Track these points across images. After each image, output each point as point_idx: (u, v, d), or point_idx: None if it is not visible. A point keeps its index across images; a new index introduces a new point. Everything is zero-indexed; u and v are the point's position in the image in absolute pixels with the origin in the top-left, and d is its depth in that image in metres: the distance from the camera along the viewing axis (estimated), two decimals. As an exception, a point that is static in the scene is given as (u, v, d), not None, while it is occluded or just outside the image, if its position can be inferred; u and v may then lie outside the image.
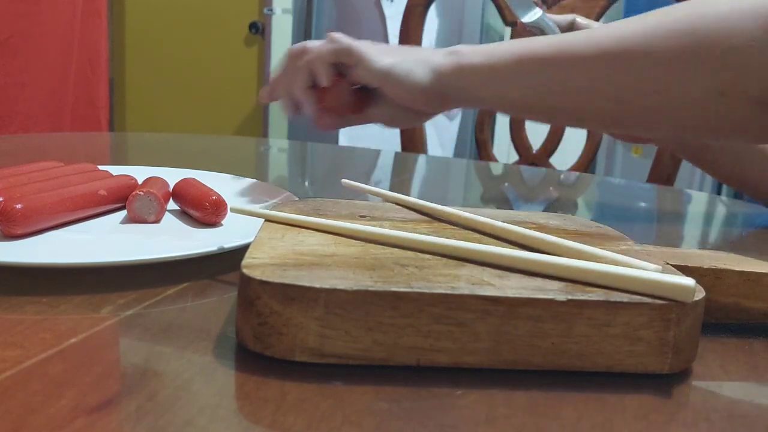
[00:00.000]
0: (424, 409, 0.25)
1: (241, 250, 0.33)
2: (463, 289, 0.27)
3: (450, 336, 0.27)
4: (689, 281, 0.27)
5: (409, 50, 0.58)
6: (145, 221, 0.44)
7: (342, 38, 0.57)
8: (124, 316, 0.31)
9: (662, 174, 1.08)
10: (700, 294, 0.29)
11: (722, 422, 0.25)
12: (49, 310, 0.31)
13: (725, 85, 0.47)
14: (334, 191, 0.69)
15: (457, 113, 2.55)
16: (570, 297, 0.27)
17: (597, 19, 1.08)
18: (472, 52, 0.55)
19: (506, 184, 0.90)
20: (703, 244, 0.61)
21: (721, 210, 0.83)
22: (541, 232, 0.35)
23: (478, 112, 1.27)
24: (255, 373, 0.26)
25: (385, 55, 0.56)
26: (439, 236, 0.33)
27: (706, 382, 0.29)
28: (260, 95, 0.64)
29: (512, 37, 1.21)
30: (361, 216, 0.39)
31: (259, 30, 2.69)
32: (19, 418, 0.22)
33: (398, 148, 1.19)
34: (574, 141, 1.23)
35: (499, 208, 0.69)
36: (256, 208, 0.39)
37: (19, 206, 0.38)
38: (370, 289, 0.26)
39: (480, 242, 0.33)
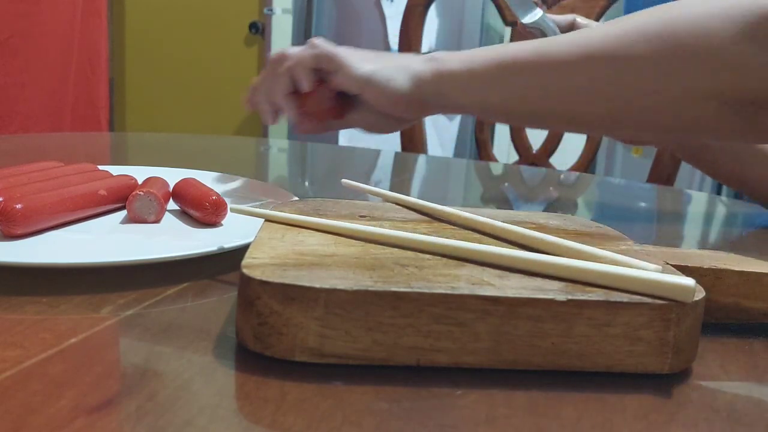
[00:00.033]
0: (424, 409, 0.25)
1: (241, 250, 0.33)
2: (463, 289, 0.27)
3: (450, 336, 0.27)
4: (689, 281, 0.27)
5: (389, 57, 0.58)
6: (145, 221, 0.44)
7: (322, 44, 0.57)
8: (124, 316, 0.31)
9: (662, 174, 1.08)
10: (700, 294, 0.29)
11: (722, 422, 0.25)
12: (49, 310, 0.31)
13: (698, 87, 0.48)
14: (334, 191, 0.69)
15: (457, 113, 2.55)
16: (570, 297, 0.27)
17: (597, 19, 1.08)
18: (452, 59, 0.56)
19: (506, 184, 0.90)
20: (703, 244, 0.61)
21: (721, 210, 0.83)
22: (541, 232, 0.35)
23: (478, 112, 1.27)
24: (255, 373, 0.26)
25: (366, 61, 0.56)
26: (439, 236, 0.33)
27: (706, 382, 0.29)
28: (243, 102, 0.64)
29: (512, 37, 1.21)
30: (361, 216, 0.39)
31: (259, 30, 2.69)
32: (19, 418, 0.22)
33: (398, 148, 1.19)
34: (574, 141, 1.23)
35: (499, 208, 0.69)
36: (256, 208, 0.39)
37: (19, 206, 0.38)
38: (370, 289, 0.26)
39: (480, 242, 0.33)
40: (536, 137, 1.22)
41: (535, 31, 0.69)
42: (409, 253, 0.32)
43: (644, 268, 0.30)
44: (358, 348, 0.27)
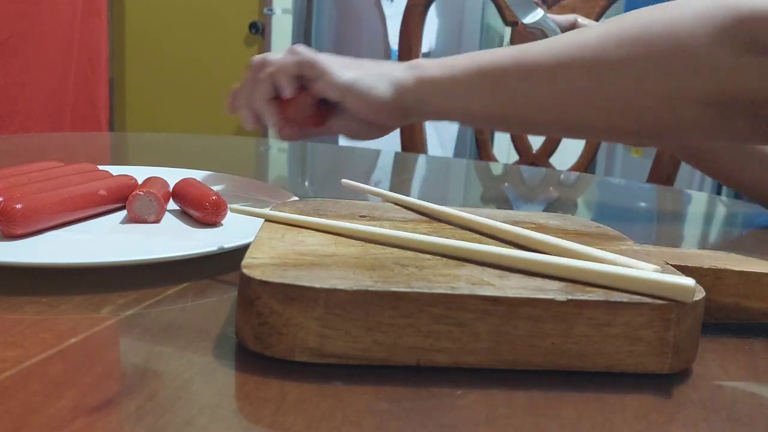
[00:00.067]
0: (424, 409, 0.25)
1: (241, 250, 0.33)
2: (463, 289, 0.27)
3: (450, 336, 0.27)
4: (689, 281, 0.27)
5: (370, 64, 0.58)
6: (145, 221, 0.44)
7: (304, 51, 0.57)
8: (124, 316, 0.31)
9: (662, 174, 1.08)
10: (700, 294, 0.29)
11: (722, 422, 0.25)
12: (49, 310, 0.31)
13: (676, 89, 0.49)
14: (334, 191, 0.69)
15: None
16: (570, 297, 0.27)
17: (597, 19, 1.08)
18: (433, 66, 0.56)
19: (506, 184, 0.90)
20: (703, 244, 0.61)
21: (721, 210, 0.83)
22: (541, 232, 0.35)
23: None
24: (255, 373, 0.26)
25: (347, 69, 0.56)
26: (438, 236, 0.33)
27: (706, 382, 0.29)
28: (223, 106, 0.64)
29: (512, 36, 1.21)
30: (361, 216, 0.39)
31: (259, 30, 2.69)
32: (19, 418, 0.22)
33: (398, 148, 1.19)
34: (574, 141, 1.23)
35: (499, 208, 0.69)
36: (256, 208, 0.39)
37: (19, 206, 0.38)
38: (370, 289, 0.26)
39: (480, 242, 0.33)
40: (536, 138, 1.22)
41: (536, 32, 0.69)
42: (409, 253, 0.32)
43: (644, 268, 0.30)
44: (358, 348, 0.27)
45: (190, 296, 0.34)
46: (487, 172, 0.99)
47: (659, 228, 0.67)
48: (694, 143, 0.70)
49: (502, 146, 1.97)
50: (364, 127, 0.59)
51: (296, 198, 0.50)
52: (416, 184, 0.87)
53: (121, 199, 0.46)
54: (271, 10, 2.65)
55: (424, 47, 1.23)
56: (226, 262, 0.38)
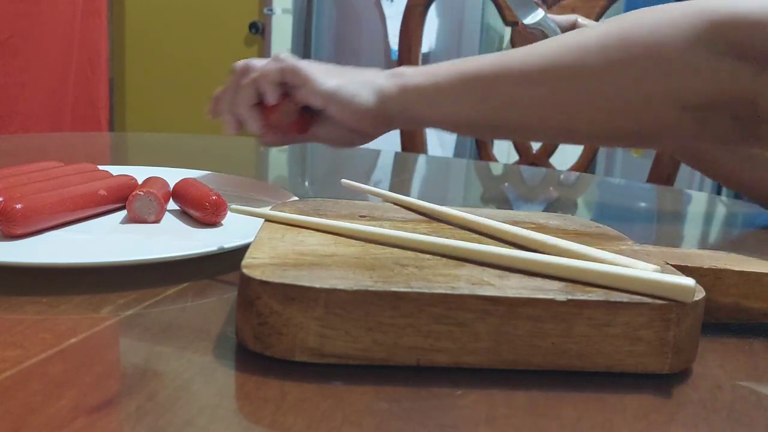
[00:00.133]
0: (424, 409, 0.25)
1: (241, 250, 0.33)
2: (463, 289, 0.27)
3: (450, 336, 0.27)
4: (689, 281, 0.27)
5: (353, 72, 0.58)
6: (145, 221, 0.44)
7: (287, 58, 0.56)
8: (124, 316, 0.31)
9: (662, 174, 1.08)
10: (700, 294, 0.29)
11: (722, 422, 0.25)
12: (49, 310, 0.31)
13: (655, 93, 0.50)
14: (334, 191, 0.69)
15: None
16: (570, 297, 0.27)
17: (597, 19, 1.08)
18: (416, 74, 0.56)
19: (506, 184, 0.90)
20: (703, 244, 0.61)
21: (721, 210, 0.83)
22: (541, 232, 0.35)
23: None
24: (255, 373, 0.26)
25: (331, 76, 0.56)
26: (438, 236, 0.33)
27: (706, 382, 0.29)
28: (204, 111, 0.63)
29: (512, 36, 1.21)
30: (361, 216, 0.39)
31: (259, 30, 2.69)
32: (19, 418, 0.22)
33: (398, 148, 1.19)
34: (574, 141, 1.23)
35: (499, 208, 0.69)
36: (256, 208, 0.39)
37: (19, 206, 0.38)
38: (370, 289, 0.26)
39: (480, 242, 0.33)
40: (536, 137, 1.21)
41: (536, 32, 0.69)
42: (409, 253, 0.32)
43: (644, 268, 0.30)
44: (358, 348, 0.27)
45: (190, 296, 0.34)
46: (487, 172, 0.99)
47: (659, 228, 0.67)
48: (677, 146, 0.71)
49: (502, 146, 1.97)
50: (348, 134, 0.59)
51: (296, 198, 0.50)
52: (416, 184, 0.87)
53: (121, 199, 0.46)
54: (271, 10, 2.65)
55: (424, 47, 1.23)
56: (226, 262, 0.38)
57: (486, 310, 0.27)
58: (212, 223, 0.44)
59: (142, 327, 0.30)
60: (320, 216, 0.37)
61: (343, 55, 2.67)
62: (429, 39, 2.48)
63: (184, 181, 0.49)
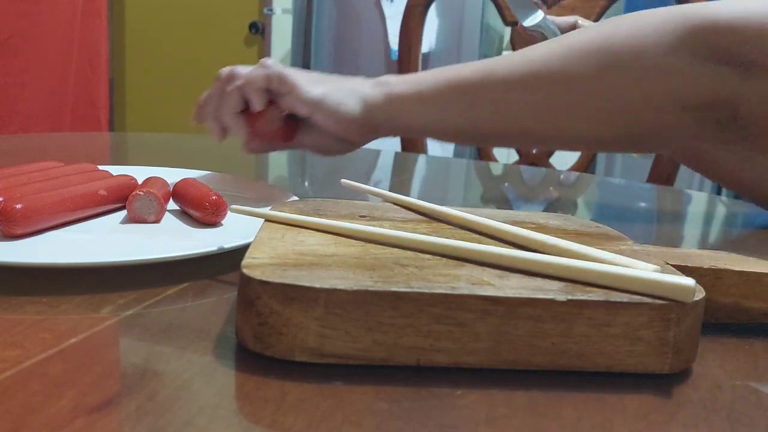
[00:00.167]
0: (424, 409, 0.25)
1: (241, 250, 0.33)
2: (463, 289, 0.27)
3: (450, 336, 0.27)
4: (689, 281, 0.27)
5: (339, 80, 0.58)
6: (145, 221, 0.44)
7: (273, 65, 0.56)
8: (124, 316, 0.31)
9: (662, 174, 1.08)
10: (700, 294, 0.29)
11: (722, 422, 0.25)
12: (49, 310, 0.31)
13: (639, 97, 0.51)
14: (334, 191, 0.69)
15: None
16: (570, 297, 0.27)
17: (597, 19, 1.08)
18: (401, 82, 0.56)
19: (506, 184, 0.90)
20: (703, 244, 0.61)
21: (721, 210, 0.83)
22: (541, 232, 0.35)
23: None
24: (255, 373, 0.26)
25: (316, 84, 0.56)
26: (438, 236, 0.33)
27: (706, 382, 0.29)
28: (188, 118, 0.63)
29: (512, 37, 1.21)
30: (361, 216, 0.39)
31: (259, 30, 2.69)
32: (19, 418, 0.22)
33: (398, 148, 1.19)
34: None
35: (499, 208, 0.69)
36: (256, 208, 0.39)
37: (19, 206, 0.38)
38: (370, 289, 0.26)
39: (479, 242, 0.33)
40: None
41: (536, 34, 0.69)
42: (409, 253, 0.32)
43: (644, 268, 0.30)
44: (358, 348, 0.27)
45: (190, 296, 0.34)
46: (487, 172, 0.99)
47: (659, 228, 0.67)
48: (662, 149, 0.72)
49: (502, 146, 1.97)
50: (333, 142, 0.59)
51: (296, 198, 0.50)
52: (416, 184, 0.87)
53: (121, 199, 0.46)
54: (271, 10, 2.65)
55: (424, 47, 1.23)
56: (226, 262, 0.38)
57: (486, 310, 0.27)
58: (212, 223, 0.44)
59: (142, 327, 0.30)
60: (320, 216, 0.37)
61: (343, 55, 2.67)
62: (429, 39, 2.48)
63: (184, 181, 0.49)
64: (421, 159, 1.08)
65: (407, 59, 1.19)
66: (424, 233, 0.34)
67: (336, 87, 0.57)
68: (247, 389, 0.25)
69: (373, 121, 0.56)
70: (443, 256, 0.32)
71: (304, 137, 0.59)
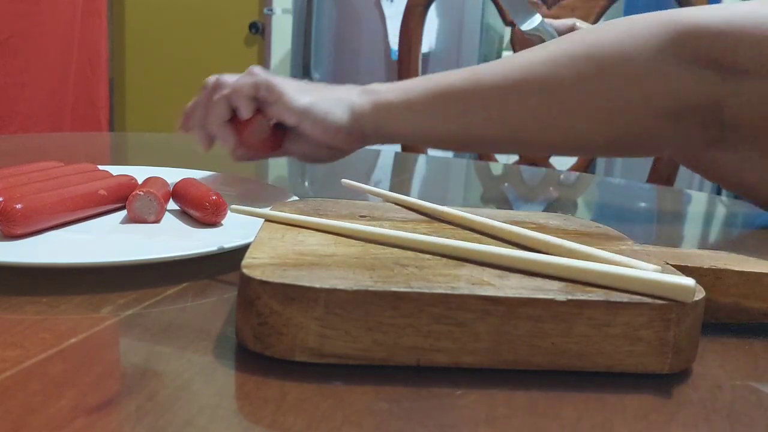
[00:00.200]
0: (424, 409, 0.25)
1: (241, 250, 0.33)
2: (463, 289, 0.27)
3: (450, 336, 0.27)
4: (689, 281, 0.27)
5: (326, 89, 0.58)
6: (145, 221, 0.44)
7: (261, 73, 0.56)
8: (124, 316, 0.31)
9: (662, 174, 1.08)
10: (700, 294, 0.29)
11: (722, 422, 0.25)
12: (49, 310, 0.31)
13: (626, 103, 0.52)
14: (334, 191, 0.69)
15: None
16: (570, 297, 0.27)
17: (597, 19, 1.08)
18: (389, 90, 0.56)
19: (506, 184, 0.90)
20: (703, 244, 0.61)
21: (721, 210, 0.83)
22: (541, 232, 0.35)
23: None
24: (255, 373, 0.26)
25: (304, 93, 0.56)
26: (438, 236, 0.33)
27: (706, 382, 0.29)
28: (175, 126, 0.63)
29: (512, 37, 1.21)
30: (361, 216, 0.39)
31: (259, 30, 2.69)
32: (19, 418, 0.22)
33: (398, 148, 1.19)
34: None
35: (499, 208, 0.69)
36: (256, 208, 0.39)
37: (19, 206, 0.38)
38: (370, 289, 0.26)
39: (480, 242, 0.33)
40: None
41: (534, 38, 0.69)
42: (409, 253, 0.32)
43: (644, 268, 0.30)
44: (358, 348, 0.27)
45: (190, 296, 0.34)
46: (487, 172, 0.99)
47: (659, 228, 0.67)
48: (654, 153, 0.72)
49: (502, 146, 1.97)
50: (321, 150, 0.59)
51: (296, 198, 0.50)
52: (416, 184, 0.87)
53: (121, 199, 0.46)
54: (271, 10, 2.65)
55: (424, 47, 1.23)
56: (226, 262, 0.38)
57: (486, 310, 0.27)
58: (212, 223, 0.44)
59: (142, 327, 0.30)
60: (320, 216, 0.37)
61: (343, 55, 2.67)
62: (429, 39, 2.48)
63: (184, 181, 0.49)
64: (421, 159, 1.08)
65: (407, 59, 1.19)
66: (424, 233, 0.34)
67: (323, 96, 0.56)
68: (247, 389, 0.25)
69: (361, 130, 0.56)
70: (443, 256, 0.32)
71: (292, 145, 0.59)
